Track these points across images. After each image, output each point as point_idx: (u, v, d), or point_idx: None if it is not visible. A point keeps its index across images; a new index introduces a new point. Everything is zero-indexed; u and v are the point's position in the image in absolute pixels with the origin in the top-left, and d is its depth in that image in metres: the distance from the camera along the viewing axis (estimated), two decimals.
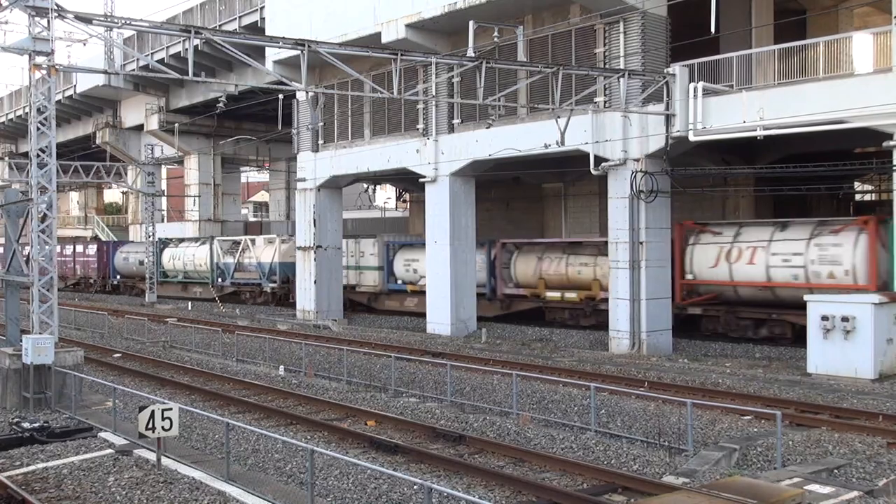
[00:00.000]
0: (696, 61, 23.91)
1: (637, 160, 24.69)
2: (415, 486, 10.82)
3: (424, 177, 30.88)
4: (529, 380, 18.42)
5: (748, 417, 14.78)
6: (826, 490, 10.50)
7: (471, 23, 22.16)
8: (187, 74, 18.34)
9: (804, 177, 22.94)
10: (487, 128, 25.20)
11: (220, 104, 22.07)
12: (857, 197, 35.09)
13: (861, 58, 23.65)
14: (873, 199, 34.77)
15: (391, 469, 11.72)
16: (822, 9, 30.59)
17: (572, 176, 32.81)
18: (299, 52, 18.89)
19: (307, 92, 31.05)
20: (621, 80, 23.03)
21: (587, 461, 12.54)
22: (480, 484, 11.68)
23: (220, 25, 40.43)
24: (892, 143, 20.01)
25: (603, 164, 25.28)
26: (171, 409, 11.90)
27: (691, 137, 23.34)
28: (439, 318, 30.27)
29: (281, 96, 26.30)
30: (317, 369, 21.79)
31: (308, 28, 31.23)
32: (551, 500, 10.88)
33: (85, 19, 16.72)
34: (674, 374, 19.85)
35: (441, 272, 30.28)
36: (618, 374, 19.96)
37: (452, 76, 26.56)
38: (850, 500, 10.04)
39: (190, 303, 45.90)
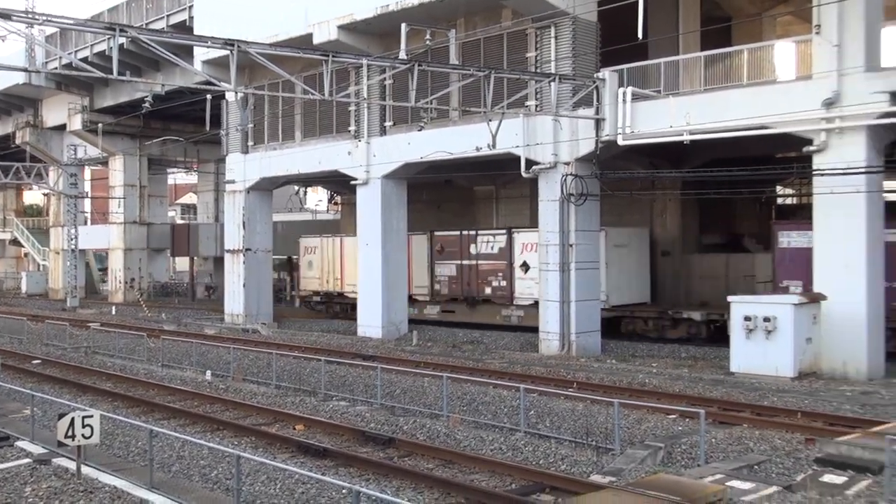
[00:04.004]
0: (625, 66, 24.26)
1: (567, 163, 24.94)
2: (343, 490, 10.71)
3: (356, 179, 30.73)
4: (460, 382, 18.44)
5: (673, 416, 15.03)
6: (747, 486, 10.73)
7: (403, 25, 22.12)
8: (112, 73, 17.86)
9: (728, 180, 23.47)
10: (419, 130, 25.19)
11: (146, 104, 21.62)
12: (779, 200, 36.02)
13: (783, 65, 24.30)
14: (794, 202, 35.74)
15: (319, 473, 11.58)
16: (746, 17, 31.35)
17: (504, 178, 33.03)
18: (228, 52, 18.53)
19: (236, 92, 30.56)
20: (552, 84, 23.24)
21: (516, 462, 12.59)
22: (410, 486, 11.63)
23: (146, 24, 39.59)
24: (811, 148, 20.59)
25: (534, 168, 25.48)
26: (91, 416, 11.55)
27: (620, 141, 23.66)
28: (370, 321, 30.13)
29: (209, 97, 25.93)
30: (245, 374, 21.47)
31: (238, 28, 30.75)
32: (480, 500, 10.88)
33: (4, 15, 16.14)
34: (602, 374, 20.10)
35: (373, 274, 30.16)
36: (547, 375, 20.12)
37: (384, 78, 26.47)
38: (769, 495, 10.26)
39: (114, 307, 44.85)
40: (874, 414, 14.88)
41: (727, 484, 10.74)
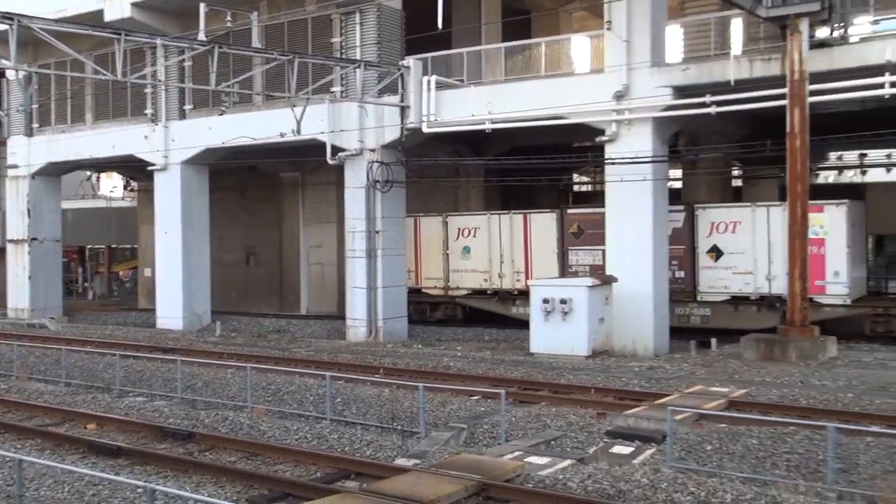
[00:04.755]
0: (429, 55, 24.61)
1: (373, 150, 24.98)
2: (138, 490, 10.20)
3: (154, 165, 29.39)
4: (265, 372, 18.06)
5: (476, 397, 15.40)
6: (544, 461, 11.15)
7: (202, 5, 21.38)
8: None
9: (528, 168, 24.33)
10: (220, 115, 24.45)
11: None
12: (576, 188, 37.83)
13: (579, 58, 25.47)
14: (590, 189, 37.60)
15: (112, 473, 10.99)
16: (544, 10, 32.57)
17: (310, 165, 32.60)
18: (7, 26, 17.20)
19: (17, 71, 28.42)
20: (357, 70, 23.20)
21: (321, 450, 12.47)
22: (211, 481, 11.24)
23: None
24: (604, 138, 21.69)
25: (340, 154, 25.34)
26: None
27: (425, 129, 23.98)
28: (170, 312, 28.99)
29: None
30: (31, 372, 20.03)
31: (21, 0, 28.55)
32: (284, 491, 10.69)
33: None
34: (408, 359, 20.31)
35: (172, 264, 29.01)
36: (354, 362, 20.09)
37: (183, 60, 25.48)
38: (564, 468, 10.70)
39: None
40: (659, 387, 15.88)
41: (526, 460, 11.12)
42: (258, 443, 12.88)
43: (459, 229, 27.76)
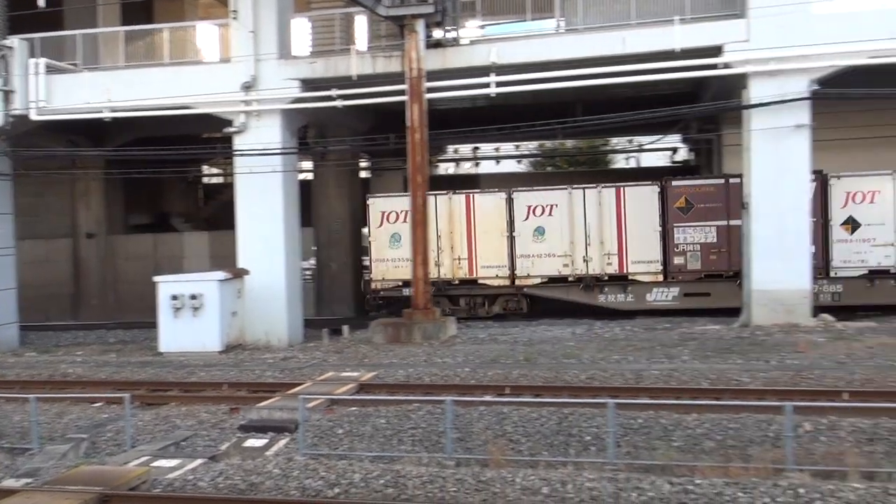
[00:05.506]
0: (38, 35, 22.51)
1: None
2: None
3: None
4: None
5: (98, 404, 14.34)
6: (173, 463, 10.67)
7: None
8: None
9: (153, 160, 23.19)
10: None
11: None
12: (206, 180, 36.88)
13: (206, 47, 24.73)
14: (222, 181, 36.84)
15: None
16: None
17: None
18: None
19: None
20: None
21: None
22: None
23: None
24: (232, 129, 21.35)
25: None
26: None
27: (33, 116, 21.94)
28: None
29: None
30: None
31: None
32: None
33: None
34: (19, 369, 18.39)
35: None
36: None
37: None
38: (194, 468, 10.32)
39: None
40: (293, 377, 15.94)
41: (153, 464, 10.57)
42: None
43: (529, 207, 23.76)
